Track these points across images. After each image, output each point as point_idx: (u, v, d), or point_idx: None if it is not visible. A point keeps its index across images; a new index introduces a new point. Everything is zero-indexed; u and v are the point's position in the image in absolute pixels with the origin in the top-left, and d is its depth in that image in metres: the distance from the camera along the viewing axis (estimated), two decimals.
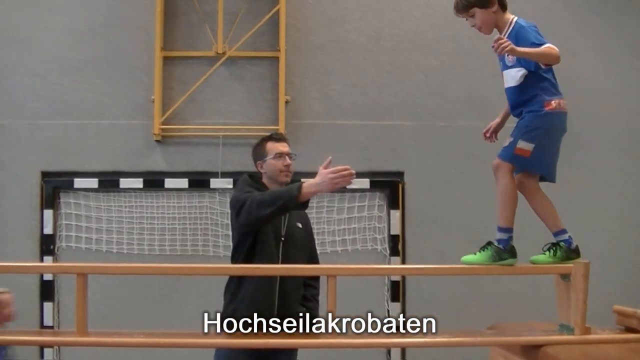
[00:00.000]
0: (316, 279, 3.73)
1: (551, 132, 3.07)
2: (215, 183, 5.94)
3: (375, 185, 6.02)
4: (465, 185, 6.05)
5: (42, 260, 5.94)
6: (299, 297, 3.63)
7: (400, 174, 6.04)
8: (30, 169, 5.98)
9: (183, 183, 5.96)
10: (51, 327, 5.91)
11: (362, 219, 6.04)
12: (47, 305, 5.93)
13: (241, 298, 3.43)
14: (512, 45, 2.87)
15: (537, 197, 3.12)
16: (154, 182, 5.97)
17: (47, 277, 5.94)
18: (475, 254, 3.05)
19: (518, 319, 4.73)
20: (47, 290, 5.92)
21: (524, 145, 3.04)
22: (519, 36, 3.02)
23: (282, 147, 3.57)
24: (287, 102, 5.94)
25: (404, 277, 5.98)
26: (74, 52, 6.06)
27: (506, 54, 2.93)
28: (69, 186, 5.98)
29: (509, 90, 3.12)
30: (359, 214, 6.05)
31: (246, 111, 6.03)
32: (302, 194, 3.18)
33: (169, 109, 5.93)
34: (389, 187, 6.03)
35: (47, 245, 5.94)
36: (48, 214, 5.96)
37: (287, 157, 3.55)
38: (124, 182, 5.96)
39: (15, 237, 5.97)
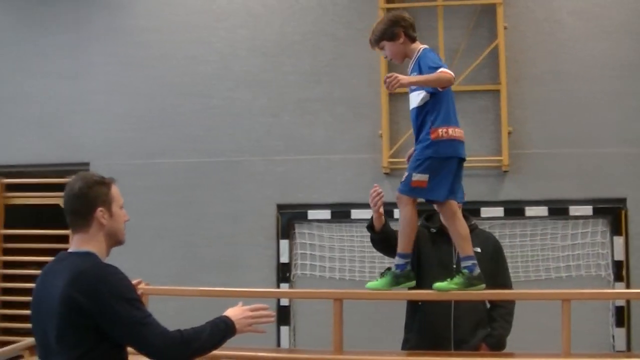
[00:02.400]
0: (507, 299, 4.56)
1: (442, 160, 3.95)
2: None
3: (597, 212, 7.39)
4: None
5: (278, 287, 7.70)
6: (478, 321, 4.49)
7: (623, 201, 7.42)
8: (266, 202, 7.76)
9: None
10: None
11: (586, 245, 7.43)
12: (284, 329, 7.67)
13: (409, 327, 4.58)
14: (400, 78, 3.74)
15: (455, 221, 4.03)
16: (385, 212, 7.60)
17: (284, 302, 7.67)
18: (377, 280, 4.10)
19: None
20: (283, 315, 7.66)
21: (419, 177, 3.93)
22: (421, 62, 4.01)
23: None
24: (509, 133, 7.51)
25: (628, 303, 7.36)
26: (304, 91, 7.83)
27: (402, 86, 3.83)
28: (303, 217, 7.71)
29: (411, 112, 4.05)
30: (582, 241, 7.47)
31: (470, 143, 7.44)
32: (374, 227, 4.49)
33: (395, 143, 7.59)
34: (611, 213, 7.45)
35: (284, 273, 7.69)
36: (284, 243, 7.71)
37: None
38: (355, 213, 7.59)
39: (254, 265, 7.75)
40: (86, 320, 2.93)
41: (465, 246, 4.05)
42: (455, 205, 4.09)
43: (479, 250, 4.45)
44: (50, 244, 8.51)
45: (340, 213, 7.66)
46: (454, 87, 7.45)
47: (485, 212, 7.40)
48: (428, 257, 4.50)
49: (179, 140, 7.96)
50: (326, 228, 7.69)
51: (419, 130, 4.04)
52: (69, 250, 3.17)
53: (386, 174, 7.59)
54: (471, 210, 6.53)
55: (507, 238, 7.35)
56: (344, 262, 7.63)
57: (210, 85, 7.98)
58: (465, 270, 3.96)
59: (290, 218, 7.75)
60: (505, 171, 7.44)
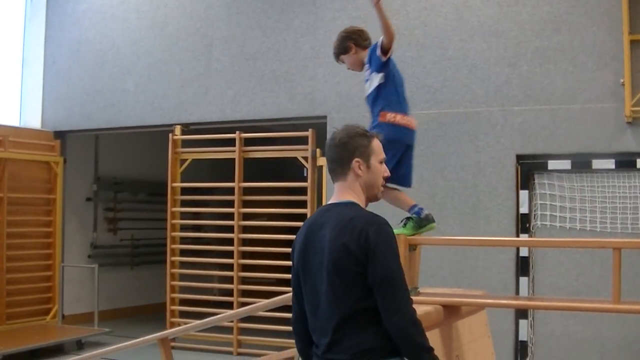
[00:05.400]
0: None
1: (386, 142, 4.77)
2: None
3: None
4: None
5: (518, 237, 9.63)
6: None
7: None
8: (505, 153, 9.41)
9: None
10: None
11: None
12: (523, 280, 9.43)
13: None
14: None
15: (388, 194, 5.20)
16: (625, 162, 9.00)
17: (523, 253, 9.39)
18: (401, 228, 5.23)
19: None
20: (523, 266, 9.39)
21: None
22: (371, 56, 5.38)
23: None
24: None
25: None
26: (542, 40, 9.47)
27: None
28: (543, 168, 9.28)
29: (366, 99, 5.48)
30: None
31: None
32: None
33: (639, 92, 9.03)
34: None
35: (523, 224, 9.32)
36: (524, 194, 9.33)
37: None
38: (596, 164, 9.07)
39: (492, 215, 9.63)
40: (356, 267, 3.47)
41: (403, 205, 5.44)
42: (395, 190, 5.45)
43: None
44: (283, 195, 10.96)
45: (581, 163, 9.18)
46: None
47: None
48: None
49: (416, 92, 9.78)
50: (566, 178, 9.25)
51: (372, 112, 5.43)
52: (331, 202, 3.76)
53: (629, 123, 9.03)
54: None
55: None
56: (584, 212, 9.25)
57: (445, 36, 9.78)
58: (414, 215, 5.30)
59: (529, 168, 9.39)
60: None
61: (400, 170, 5.31)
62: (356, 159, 3.69)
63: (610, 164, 9.21)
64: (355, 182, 3.71)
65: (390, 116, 5.31)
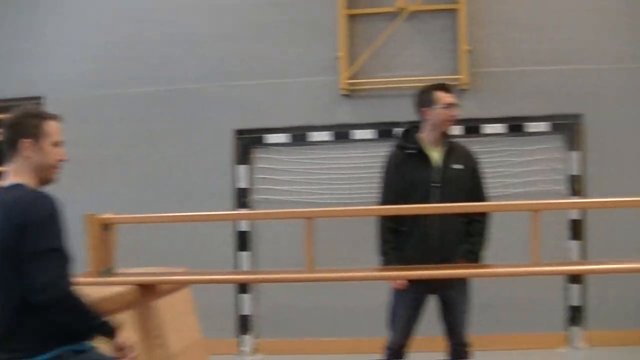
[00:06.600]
0: (483, 213, 5.58)
1: None
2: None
3: (555, 128, 9.09)
4: None
5: (237, 211, 9.53)
6: (459, 239, 5.56)
7: (579, 116, 9.07)
8: (224, 128, 9.33)
9: (370, 134, 9.18)
10: None
11: (542, 161, 9.13)
12: (243, 255, 9.35)
13: (393, 245, 5.61)
14: None
15: None
16: (342, 134, 9.21)
17: (243, 228, 9.37)
18: None
19: None
20: (242, 241, 9.41)
21: None
22: None
23: (451, 98, 5.61)
24: (468, 51, 8.98)
25: (584, 216, 9.09)
26: (261, 15, 9.36)
27: None
28: (262, 142, 9.35)
29: None
30: (540, 157, 9.13)
31: (428, 63, 9.22)
32: None
33: (354, 65, 9.29)
34: (568, 129, 9.14)
35: (242, 198, 9.36)
36: (242, 169, 9.34)
37: (454, 108, 5.61)
38: (313, 136, 9.23)
39: (213, 192, 9.40)
40: (20, 250, 3.42)
41: None
42: None
43: (459, 167, 5.62)
44: None
45: (299, 136, 9.32)
46: (411, 7, 9.37)
47: None
48: (409, 177, 5.59)
49: (136, 70, 9.50)
50: (285, 152, 9.36)
51: None
52: (1, 186, 3.65)
53: (344, 95, 9.25)
54: None
55: None
56: (303, 185, 9.30)
57: (166, 12, 9.58)
58: None
59: (248, 143, 9.37)
60: (463, 89, 9.04)
61: None
62: (25, 140, 3.59)
63: (326, 136, 9.38)
64: (24, 164, 3.61)
65: None
